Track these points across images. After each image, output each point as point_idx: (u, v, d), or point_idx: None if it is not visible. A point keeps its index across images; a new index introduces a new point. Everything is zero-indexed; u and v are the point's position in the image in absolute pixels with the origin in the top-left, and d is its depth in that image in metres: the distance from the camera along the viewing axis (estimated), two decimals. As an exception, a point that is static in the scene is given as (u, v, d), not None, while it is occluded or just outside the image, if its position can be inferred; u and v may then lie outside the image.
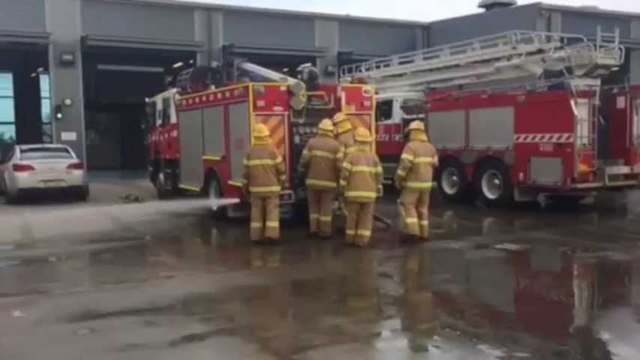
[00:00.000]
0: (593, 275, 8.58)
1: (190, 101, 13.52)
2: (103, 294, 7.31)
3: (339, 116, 10.89)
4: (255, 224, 9.93)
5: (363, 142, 9.76)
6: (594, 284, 8.20)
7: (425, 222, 10.05)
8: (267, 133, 10.05)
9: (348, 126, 10.73)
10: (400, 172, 9.84)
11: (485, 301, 7.13)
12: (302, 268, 8.75)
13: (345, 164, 9.59)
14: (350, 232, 9.74)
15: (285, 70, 18.84)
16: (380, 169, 9.77)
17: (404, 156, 9.82)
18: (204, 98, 12.84)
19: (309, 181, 10.28)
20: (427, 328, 6.13)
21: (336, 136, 10.52)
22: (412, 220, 9.82)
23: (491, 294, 7.45)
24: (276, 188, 9.89)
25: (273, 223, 9.82)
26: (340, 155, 10.04)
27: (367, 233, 9.63)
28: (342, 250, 9.64)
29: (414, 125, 10.31)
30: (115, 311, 6.51)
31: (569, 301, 7.24)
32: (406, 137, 11.29)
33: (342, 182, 9.61)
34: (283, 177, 10.03)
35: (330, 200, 10.31)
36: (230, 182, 11.50)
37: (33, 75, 31.39)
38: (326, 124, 10.35)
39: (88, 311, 6.52)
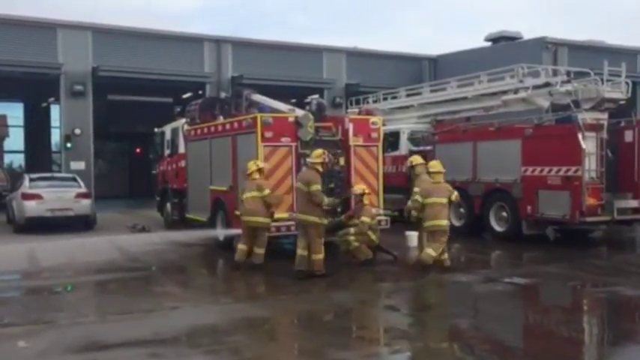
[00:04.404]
0: (604, 311, 8.47)
1: (199, 131, 13.62)
2: (109, 325, 7.27)
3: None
4: (242, 246, 10.31)
5: (437, 173, 10.43)
6: (604, 320, 8.08)
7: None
8: (254, 169, 10.30)
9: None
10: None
11: (494, 336, 7.03)
12: (308, 300, 8.66)
13: (416, 197, 10.35)
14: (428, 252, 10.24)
15: (293, 101, 19.01)
16: (455, 195, 10.41)
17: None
18: (212, 129, 12.93)
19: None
20: (435, 363, 6.04)
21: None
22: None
23: (500, 329, 7.35)
24: (265, 220, 10.17)
25: (260, 250, 10.18)
26: (314, 188, 9.41)
27: (446, 255, 10.35)
28: (349, 283, 9.59)
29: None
30: (120, 342, 6.46)
31: (579, 336, 7.14)
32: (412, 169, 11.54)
33: (414, 213, 10.47)
34: (272, 209, 10.22)
35: (317, 236, 9.54)
36: (237, 212, 11.48)
37: (44, 105, 31.75)
38: (313, 155, 9.94)
39: (93, 342, 6.48)
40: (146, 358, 6.01)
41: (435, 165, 10.70)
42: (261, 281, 9.92)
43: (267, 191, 10.14)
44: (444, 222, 10.24)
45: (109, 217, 18.77)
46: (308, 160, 9.92)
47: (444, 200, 10.26)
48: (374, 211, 11.07)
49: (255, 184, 10.20)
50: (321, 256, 9.60)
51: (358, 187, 10.98)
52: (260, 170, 10.38)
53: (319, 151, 9.96)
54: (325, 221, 9.75)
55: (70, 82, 22.65)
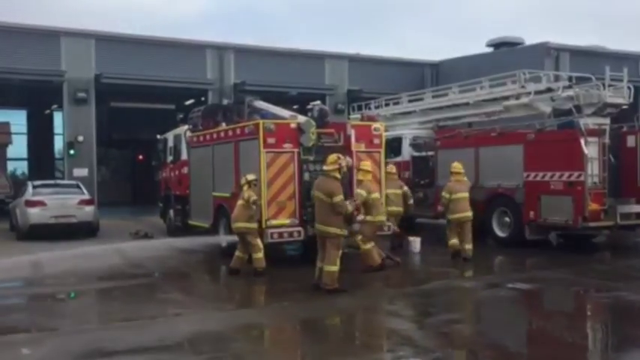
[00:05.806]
0: (607, 316, 8.45)
1: (201, 138, 13.65)
2: (112, 332, 7.27)
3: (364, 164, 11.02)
4: (237, 253, 10.54)
5: (458, 173, 11.83)
6: (608, 325, 8.06)
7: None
8: (243, 182, 10.58)
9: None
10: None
11: (497, 341, 7.02)
12: (311, 307, 8.65)
13: (443, 193, 11.83)
14: (454, 241, 11.72)
15: (295, 107, 18.98)
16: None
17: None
18: (215, 135, 12.96)
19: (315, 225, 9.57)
20: (438, 369, 6.04)
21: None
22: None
23: (504, 335, 7.34)
24: (246, 224, 10.35)
25: (257, 255, 10.26)
26: (337, 199, 8.74)
27: (470, 247, 11.59)
28: (352, 289, 9.55)
29: (363, 166, 10.83)
30: (123, 349, 6.47)
31: (583, 342, 7.13)
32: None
33: (440, 208, 12.15)
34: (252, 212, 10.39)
35: (335, 248, 8.97)
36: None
37: (47, 112, 31.83)
38: (328, 161, 9.18)
39: (96, 349, 6.48)
40: (149, 365, 6.02)
41: (457, 166, 11.99)
42: (264, 288, 9.93)
43: (246, 197, 10.42)
44: (470, 213, 11.66)
45: (112, 223, 18.78)
46: (324, 167, 9.27)
47: (467, 194, 11.72)
48: (370, 185, 10.74)
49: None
50: (334, 268, 8.93)
51: (364, 164, 10.94)
52: (249, 182, 10.52)
53: (334, 156, 9.13)
54: (345, 232, 9.24)
55: (73, 89, 22.72)
